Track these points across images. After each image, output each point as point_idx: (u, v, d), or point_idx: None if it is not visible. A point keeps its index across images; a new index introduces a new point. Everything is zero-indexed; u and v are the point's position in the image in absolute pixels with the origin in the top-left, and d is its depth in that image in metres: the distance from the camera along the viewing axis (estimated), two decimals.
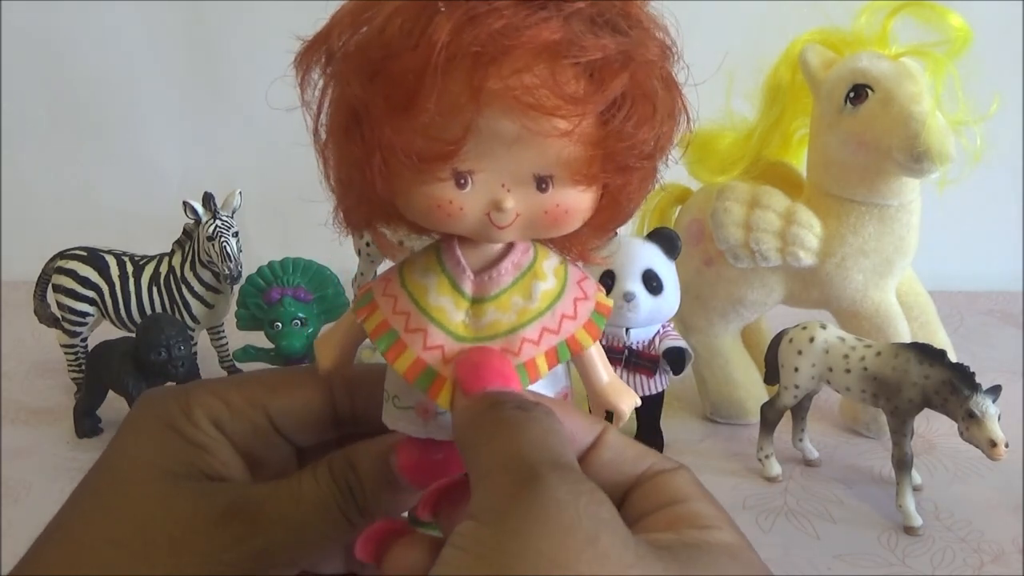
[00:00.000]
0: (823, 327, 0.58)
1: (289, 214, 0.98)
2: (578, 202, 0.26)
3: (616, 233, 0.30)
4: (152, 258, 0.71)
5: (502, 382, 0.26)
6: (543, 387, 0.28)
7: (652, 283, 0.58)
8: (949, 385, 0.51)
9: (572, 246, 0.29)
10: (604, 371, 0.29)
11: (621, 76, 0.24)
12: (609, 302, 0.29)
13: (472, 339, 0.27)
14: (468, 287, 0.27)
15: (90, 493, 0.28)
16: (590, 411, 0.30)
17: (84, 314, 0.70)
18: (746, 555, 0.23)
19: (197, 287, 0.69)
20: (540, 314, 0.27)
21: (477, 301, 0.27)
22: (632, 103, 0.25)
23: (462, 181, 0.25)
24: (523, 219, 0.26)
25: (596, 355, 0.29)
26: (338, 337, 0.30)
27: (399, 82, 0.24)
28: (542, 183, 0.26)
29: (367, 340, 0.29)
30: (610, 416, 0.30)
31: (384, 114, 0.24)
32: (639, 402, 0.30)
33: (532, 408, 0.24)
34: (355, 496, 0.28)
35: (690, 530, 0.23)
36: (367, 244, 0.77)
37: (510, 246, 0.28)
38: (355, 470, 0.28)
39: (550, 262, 0.28)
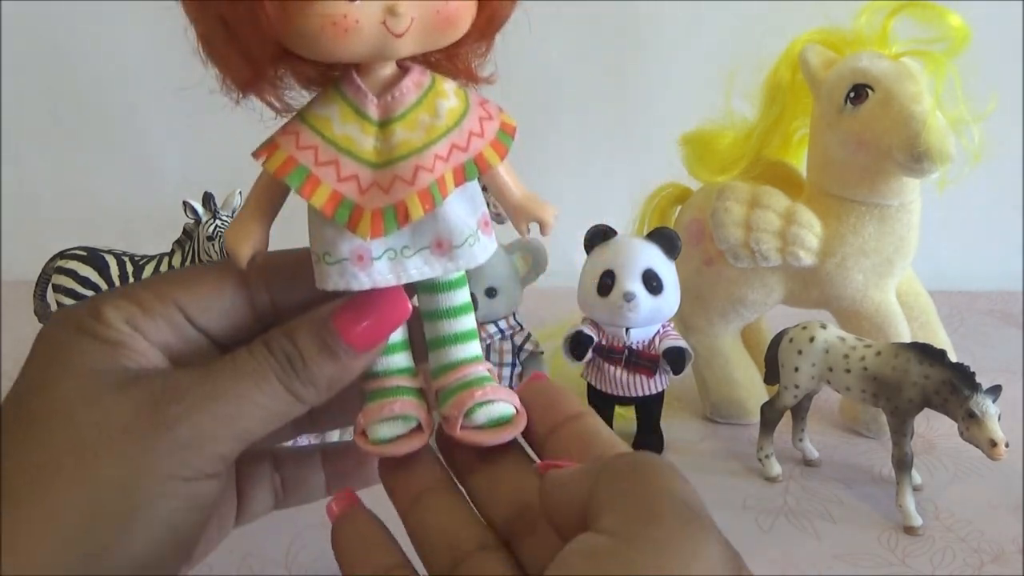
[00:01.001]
0: (823, 327, 0.58)
1: (289, 214, 0.98)
2: None
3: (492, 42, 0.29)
4: (152, 258, 0.71)
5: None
6: (464, 212, 0.28)
7: (652, 283, 0.58)
8: (949, 385, 0.51)
9: (458, 65, 0.28)
10: (516, 186, 0.30)
11: None
12: (513, 121, 0.29)
13: (385, 163, 0.27)
14: (372, 110, 0.27)
15: (10, 405, 0.27)
16: (515, 226, 0.30)
17: None
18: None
19: None
20: (448, 131, 0.27)
21: (384, 124, 0.27)
22: None
23: None
24: (418, 23, 0.25)
25: (506, 173, 0.29)
26: (248, 212, 0.29)
27: None
28: None
29: None
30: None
31: None
32: (558, 210, 0.30)
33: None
34: (295, 367, 0.27)
35: None
36: None
37: (406, 69, 0.27)
38: (293, 340, 0.28)
39: (449, 84, 0.28)
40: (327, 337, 0.28)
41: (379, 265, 0.28)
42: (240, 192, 0.69)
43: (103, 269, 0.70)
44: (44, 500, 0.24)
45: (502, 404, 0.29)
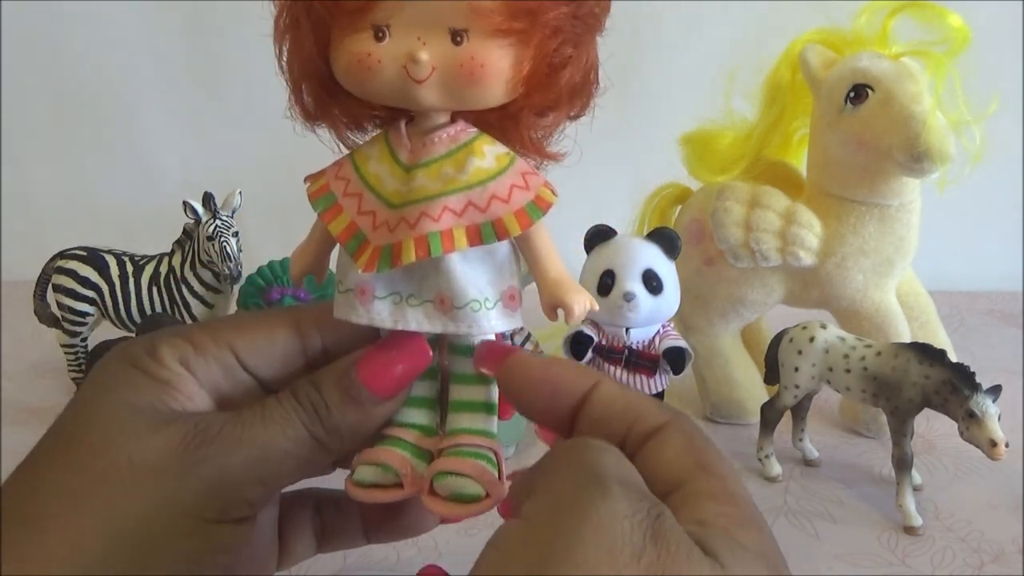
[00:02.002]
0: (823, 327, 0.58)
1: (289, 214, 0.98)
2: (495, 58, 0.26)
3: (562, 129, 0.30)
4: (152, 258, 0.71)
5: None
6: (478, 276, 0.28)
7: (652, 283, 0.58)
8: (949, 385, 0.51)
9: (517, 134, 0.29)
10: (553, 265, 0.29)
11: None
12: (553, 198, 0.29)
13: (401, 204, 0.27)
14: (404, 155, 0.28)
15: (54, 430, 0.28)
16: (542, 309, 0.30)
17: (84, 314, 0.70)
18: (774, 558, 0.23)
19: (197, 287, 0.69)
20: (468, 187, 0.27)
21: (410, 168, 0.28)
22: None
23: (380, 34, 0.26)
24: (440, 73, 0.26)
25: (543, 247, 0.29)
26: (309, 242, 0.31)
27: None
28: (457, 36, 0.26)
29: None
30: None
31: None
32: (596, 306, 0.29)
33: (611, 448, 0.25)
34: (320, 415, 0.28)
35: (715, 530, 0.23)
36: None
37: (452, 121, 0.28)
38: (318, 389, 0.29)
39: (494, 147, 0.28)
40: (349, 385, 0.29)
41: (379, 305, 0.29)
42: (240, 192, 0.69)
43: (103, 269, 0.70)
44: (71, 524, 0.25)
45: (470, 483, 0.28)
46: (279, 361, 0.31)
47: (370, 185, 0.28)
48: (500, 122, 0.29)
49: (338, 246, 0.30)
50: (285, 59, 0.28)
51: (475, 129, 0.28)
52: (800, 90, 0.64)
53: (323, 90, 0.28)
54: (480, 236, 0.27)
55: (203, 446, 0.27)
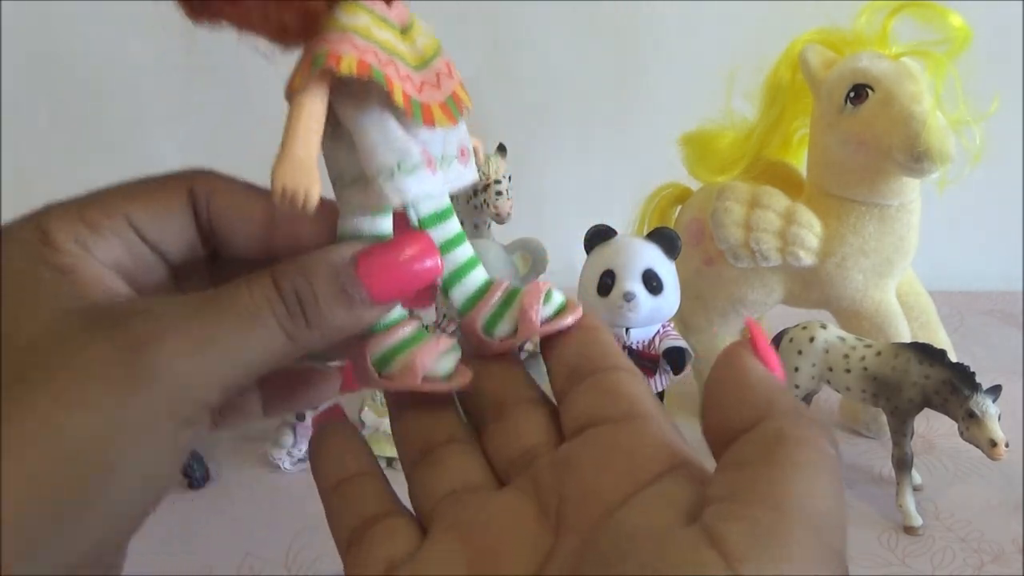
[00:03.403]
0: (823, 327, 0.58)
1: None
2: None
3: None
4: None
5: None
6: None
7: (652, 283, 0.58)
8: (949, 385, 0.51)
9: None
10: None
11: None
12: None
13: (421, 65, 0.26)
14: (394, 19, 0.26)
15: None
16: None
17: None
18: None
19: None
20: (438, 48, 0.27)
21: (404, 31, 0.27)
22: None
23: None
24: None
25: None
26: (306, 145, 0.24)
27: None
28: None
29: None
30: None
31: None
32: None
33: None
34: (305, 310, 0.25)
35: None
36: None
37: None
38: (310, 280, 0.25)
39: None
40: (347, 281, 0.25)
41: (439, 174, 0.26)
42: None
43: None
44: (20, 444, 0.22)
45: (556, 293, 0.28)
46: (182, 235, 0.27)
47: (390, 50, 0.26)
48: None
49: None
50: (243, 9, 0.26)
51: None
52: (800, 90, 0.64)
53: None
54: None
55: (152, 348, 0.23)
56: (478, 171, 0.29)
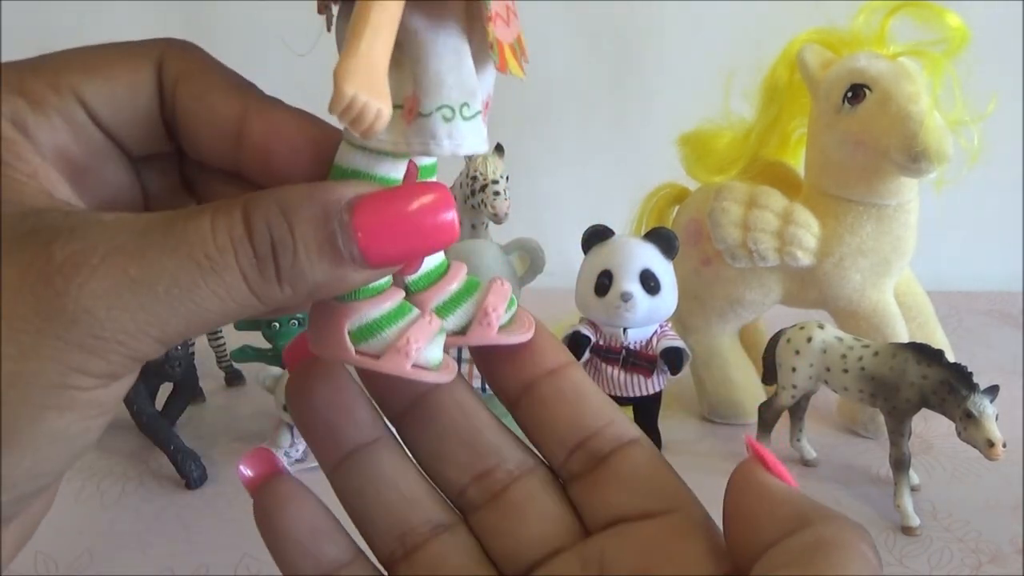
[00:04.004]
0: (821, 327, 0.58)
1: None
2: None
3: None
4: None
5: None
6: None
7: (650, 283, 0.58)
8: (947, 385, 0.51)
9: None
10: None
11: None
12: None
13: None
14: None
15: None
16: None
17: None
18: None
19: None
20: None
21: None
22: None
23: None
24: None
25: None
26: (377, 50, 0.19)
27: None
28: None
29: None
30: None
31: None
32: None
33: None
34: (279, 260, 0.19)
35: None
36: None
37: None
38: (290, 223, 0.19)
39: None
40: (339, 231, 0.19)
41: (423, 122, 0.21)
42: None
43: None
44: None
45: (513, 299, 0.25)
46: (142, 118, 0.22)
47: None
48: None
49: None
50: None
51: None
52: (798, 90, 0.64)
53: None
54: None
55: (74, 283, 0.18)
56: (476, 172, 0.27)
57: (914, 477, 0.58)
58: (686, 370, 0.62)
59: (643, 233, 0.62)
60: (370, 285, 0.22)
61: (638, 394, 0.62)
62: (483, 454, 0.24)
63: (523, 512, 0.24)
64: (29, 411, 0.18)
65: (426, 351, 0.23)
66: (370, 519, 0.25)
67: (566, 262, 0.64)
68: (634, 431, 0.24)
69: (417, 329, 0.22)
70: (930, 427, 0.65)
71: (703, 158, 0.69)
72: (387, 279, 0.23)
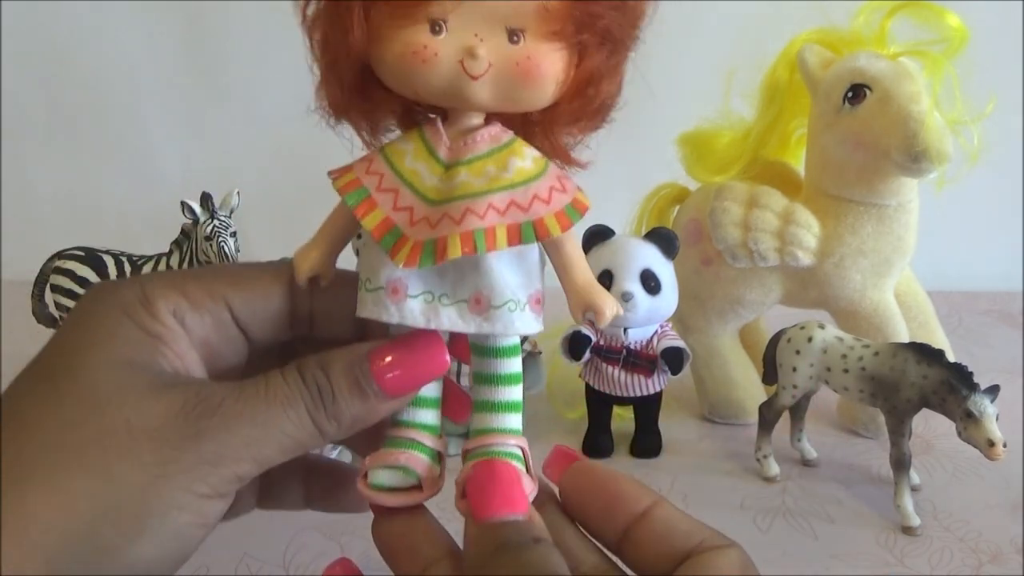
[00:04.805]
0: (821, 327, 0.58)
1: (289, 214, 0.98)
2: (550, 60, 0.26)
3: (588, 135, 0.30)
4: (150, 258, 0.71)
5: (509, 509, 0.27)
6: (513, 278, 0.28)
7: (650, 283, 0.58)
8: (947, 385, 0.51)
9: (546, 137, 0.29)
10: (583, 270, 0.29)
11: None
12: (588, 203, 0.28)
13: (442, 201, 0.27)
14: (443, 152, 0.28)
15: (38, 376, 0.27)
16: (571, 312, 0.29)
17: None
18: None
19: None
20: (512, 186, 0.27)
21: (451, 166, 0.27)
22: None
23: (436, 27, 0.26)
24: (495, 71, 0.26)
25: (573, 252, 0.29)
26: (317, 242, 0.29)
27: None
28: (514, 35, 0.26)
29: None
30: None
31: None
32: (621, 311, 0.29)
33: (536, 545, 0.26)
34: (324, 400, 0.27)
35: None
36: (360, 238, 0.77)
37: (489, 122, 0.28)
38: (327, 372, 0.27)
39: (530, 150, 0.28)
40: (360, 375, 0.27)
41: (412, 304, 0.28)
42: (238, 192, 0.69)
43: (101, 269, 0.70)
44: (62, 486, 0.24)
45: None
46: (271, 320, 0.30)
47: (407, 181, 0.27)
48: (531, 127, 0.29)
49: (354, 247, 0.29)
50: (319, 44, 0.27)
51: (511, 132, 0.28)
52: (798, 90, 0.64)
53: (358, 81, 0.27)
54: (520, 235, 0.27)
55: (204, 417, 0.25)
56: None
57: (914, 477, 0.58)
58: (686, 370, 0.62)
59: (643, 233, 0.62)
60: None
61: (638, 394, 0.62)
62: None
63: None
64: (161, 507, 0.25)
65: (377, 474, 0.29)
66: None
67: None
68: (720, 540, 0.28)
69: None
70: (930, 427, 0.65)
71: (703, 158, 0.69)
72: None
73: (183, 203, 0.67)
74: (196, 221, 0.67)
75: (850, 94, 0.59)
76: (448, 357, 0.29)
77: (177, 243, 0.70)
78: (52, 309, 0.72)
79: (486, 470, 0.28)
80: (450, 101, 0.27)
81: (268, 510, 0.34)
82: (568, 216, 0.27)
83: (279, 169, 0.95)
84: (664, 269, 0.59)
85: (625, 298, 0.57)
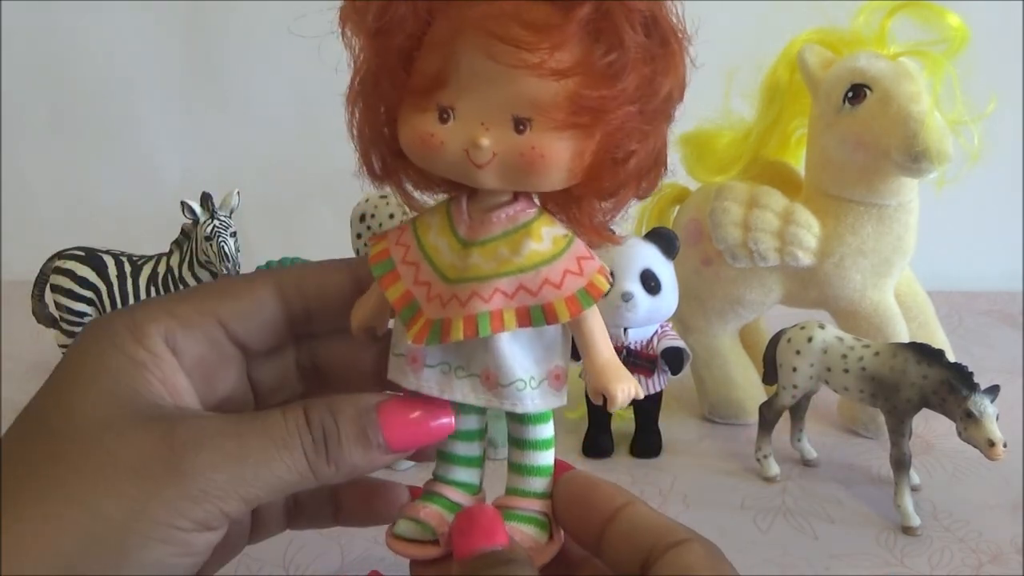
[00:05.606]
0: (821, 327, 0.58)
1: (289, 214, 0.98)
2: (556, 149, 0.26)
3: (626, 210, 0.30)
4: (150, 258, 0.71)
5: (487, 541, 0.27)
6: (524, 355, 0.29)
7: (650, 283, 0.58)
8: (947, 385, 0.51)
9: (579, 216, 0.29)
10: (601, 351, 0.29)
11: (585, 5, 0.24)
12: (605, 286, 0.28)
13: (455, 280, 0.28)
14: (463, 230, 0.28)
15: (36, 411, 0.28)
16: (588, 392, 0.30)
17: (82, 314, 0.70)
18: None
19: None
20: (521, 270, 0.27)
21: (467, 244, 0.28)
22: (608, 45, 0.25)
23: (444, 116, 0.26)
24: (500, 160, 0.26)
25: (595, 332, 0.29)
26: (371, 296, 0.31)
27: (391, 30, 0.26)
28: (520, 124, 0.26)
29: None
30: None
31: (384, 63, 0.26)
32: (640, 393, 0.29)
33: (512, 564, 0.26)
34: (328, 445, 0.27)
35: None
36: (365, 245, 0.77)
37: (513, 200, 0.28)
38: (336, 418, 0.28)
39: (552, 229, 0.28)
40: (368, 425, 0.28)
41: (428, 373, 0.29)
42: (238, 192, 0.69)
43: (101, 269, 0.70)
44: (51, 519, 0.24)
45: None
46: (267, 327, 0.31)
47: (428, 256, 0.28)
48: (562, 203, 0.29)
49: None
50: (356, 123, 0.28)
51: (535, 209, 0.28)
52: (798, 90, 0.64)
53: (391, 156, 0.29)
54: (529, 318, 0.28)
55: (191, 451, 0.25)
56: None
57: (914, 477, 0.58)
58: (686, 370, 0.62)
59: (643, 233, 0.62)
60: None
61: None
62: None
63: None
64: (141, 540, 0.25)
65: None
66: None
67: None
68: (684, 534, 0.28)
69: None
70: (930, 427, 0.65)
71: (703, 158, 0.69)
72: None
73: (183, 203, 0.67)
74: (196, 221, 0.67)
75: (850, 94, 0.59)
76: (453, 425, 0.29)
77: (177, 243, 0.71)
78: (52, 309, 0.72)
79: (465, 517, 0.29)
80: (464, 182, 0.28)
81: (301, 529, 0.35)
82: (579, 301, 0.28)
83: (279, 169, 0.95)
84: (664, 269, 0.59)
85: (625, 298, 0.57)
